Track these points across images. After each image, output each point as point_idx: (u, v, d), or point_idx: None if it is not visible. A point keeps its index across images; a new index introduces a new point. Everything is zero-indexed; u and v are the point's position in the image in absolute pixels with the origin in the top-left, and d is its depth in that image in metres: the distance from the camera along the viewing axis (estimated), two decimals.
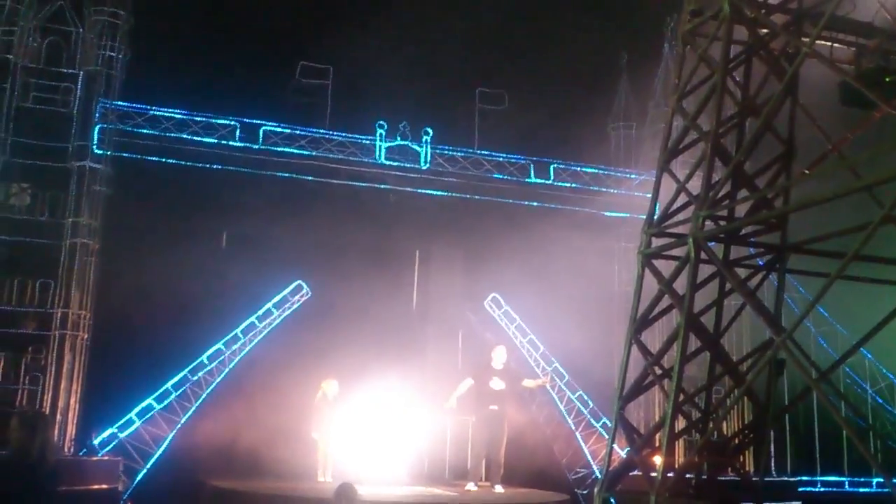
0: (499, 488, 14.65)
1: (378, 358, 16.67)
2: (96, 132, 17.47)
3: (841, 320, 20.97)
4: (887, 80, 10.12)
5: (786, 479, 20.72)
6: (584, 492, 18.89)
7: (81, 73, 17.61)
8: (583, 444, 19.78)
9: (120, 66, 17.96)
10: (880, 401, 22.18)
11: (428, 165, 19.49)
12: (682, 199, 11.42)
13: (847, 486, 21.48)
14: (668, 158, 11.88)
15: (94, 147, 17.40)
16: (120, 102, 17.91)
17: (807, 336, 20.17)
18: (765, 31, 11.35)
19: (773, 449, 19.41)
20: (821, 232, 10.85)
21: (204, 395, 17.62)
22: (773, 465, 20.10)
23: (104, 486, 15.35)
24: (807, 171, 11.44)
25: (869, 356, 21.67)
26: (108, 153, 17.49)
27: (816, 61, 10.18)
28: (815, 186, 10.88)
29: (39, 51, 17.60)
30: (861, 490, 21.39)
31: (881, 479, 21.01)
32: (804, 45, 10.08)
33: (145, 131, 17.94)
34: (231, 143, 18.30)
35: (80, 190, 17.18)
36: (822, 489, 21.32)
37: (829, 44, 10.93)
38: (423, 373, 18.21)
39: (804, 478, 21.14)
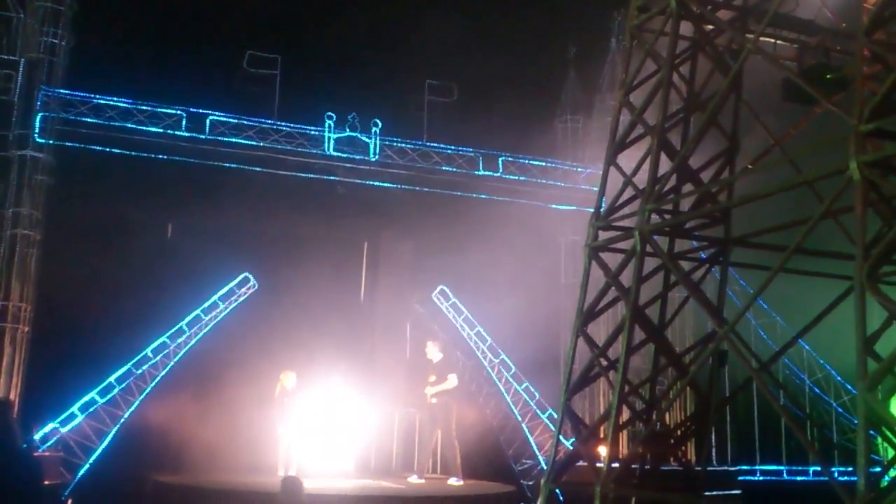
0: (453, 481, 14.62)
1: (325, 350, 16.63)
2: (38, 120, 17.05)
3: (780, 311, 21.44)
4: (828, 76, 10.36)
5: (726, 468, 21.14)
6: (530, 483, 19.03)
7: (23, 60, 17.17)
8: (529, 436, 19.93)
9: (63, 53, 17.55)
10: (817, 391, 22.74)
11: (377, 157, 19.42)
12: (629, 192, 11.57)
13: (785, 475, 22.00)
14: (615, 152, 12.02)
15: (36, 136, 17.00)
16: (63, 90, 17.49)
17: (747, 327, 20.59)
18: (710, 27, 11.54)
19: (714, 438, 19.77)
20: (763, 226, 11.07)
21: (148, 389, 17.34)
22: (713, 454, 20.47)
23: (45, 483, 15.07)
24: (750, 166, 11.66)
25: (807, 347, 22.20)
26: (51, 142, 17.11)
27: (760, 58, 10.39)
28: (758, 181, 11.09)
29: None
30: (799, 478, 21.91)
31: (818, 468, 21.57)
32: (748, 42, 10.28)
33: (89, 120, 17.53)
34: (177, 132, 17.97)
35: (21, 180, 16.77)
36: (761, 478, 21.82)
37: (772, 41, 11.18)
38: (370, 365, 18.21)
39: (744, 466, 21.61)
